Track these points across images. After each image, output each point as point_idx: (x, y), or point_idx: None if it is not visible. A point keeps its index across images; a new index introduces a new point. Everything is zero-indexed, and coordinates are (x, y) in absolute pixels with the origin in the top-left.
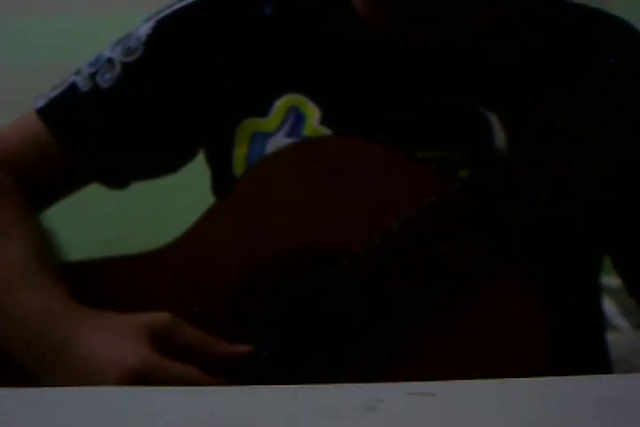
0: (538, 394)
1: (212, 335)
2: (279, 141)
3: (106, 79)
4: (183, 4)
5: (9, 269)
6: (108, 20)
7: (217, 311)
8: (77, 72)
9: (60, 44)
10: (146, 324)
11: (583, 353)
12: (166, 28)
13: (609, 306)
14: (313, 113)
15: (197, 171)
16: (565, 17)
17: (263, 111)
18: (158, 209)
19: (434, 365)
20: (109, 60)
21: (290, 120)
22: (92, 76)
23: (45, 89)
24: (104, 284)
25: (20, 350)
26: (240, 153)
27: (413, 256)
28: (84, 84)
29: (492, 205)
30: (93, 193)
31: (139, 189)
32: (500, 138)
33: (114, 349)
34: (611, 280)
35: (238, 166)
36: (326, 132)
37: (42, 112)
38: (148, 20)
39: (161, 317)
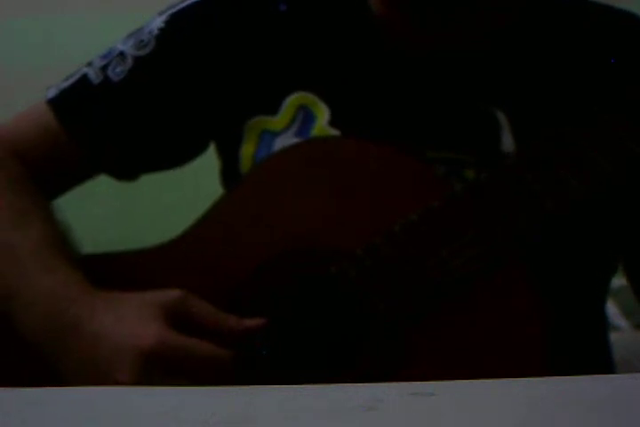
0: (537, 394)
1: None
2: (287, 141)
3: (117, 72)
4: None
5: (28, 254)
6: (109, 19)
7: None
8: (89, 64)
9: (59, 44)
10: (159, 300)
11: (587, 354)
12: (179, 22)
13: (609, 306)
14: (323, 113)
15: (201, 171)
16: (579, 15)
17: (273, 109)
18: (156, 210)
19: (432, 365)
20: (121, 54)
21: (299, 119)
22: (104, 68)
23: (45, 89)
24: (113, 277)
25: (35, 332)
26: (247, 151)
27: (414, 260)
28: (95, 77)
29: (495, 210)
30: (91, 194)
31: (137, 189)
32: (507, 137)
33: (128, 326)
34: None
35: (245, 164)
36: (335, 133)
37: (52, 103)
38: (161, 13)
39: (173, 293)
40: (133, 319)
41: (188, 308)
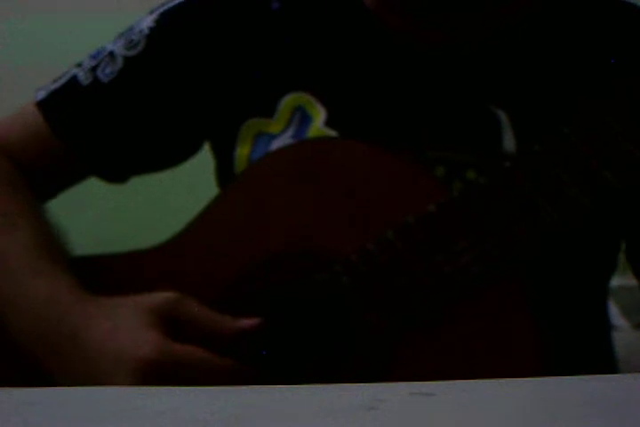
0: (538, 394)
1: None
2: (285, 142)
3: (106, 73)
4: None
5: (16, 259)
6: (109, 19)
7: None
8: (79, 65)
9: (60, 44)
10: (153, 305)
11: (589, 356)
12: (169, 21)
13: (609, 306)
14: (318, 114)
15: (195, 172)
16: (587, 12)
17: (269, 111)
18: (154, 210)
19: (423, 371)
20: (111, 54)
21: (295, 121)
22: (93, 69)
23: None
24: (106, 278)
25: (30, 340)
26: (242, 152)
27: (407, 265)
28: (84, 78)
29: (490, 216)
30: (89, 194)
31: (135, 189)
32: (509, 137)
33: (125, 336)
34: (611, 280)
35: (239, 165)
36: (331, 133)
37: (42, 104)
38: (151, 12)
39: (166, 295)
40: (129, 328)
41: (182, 310)
